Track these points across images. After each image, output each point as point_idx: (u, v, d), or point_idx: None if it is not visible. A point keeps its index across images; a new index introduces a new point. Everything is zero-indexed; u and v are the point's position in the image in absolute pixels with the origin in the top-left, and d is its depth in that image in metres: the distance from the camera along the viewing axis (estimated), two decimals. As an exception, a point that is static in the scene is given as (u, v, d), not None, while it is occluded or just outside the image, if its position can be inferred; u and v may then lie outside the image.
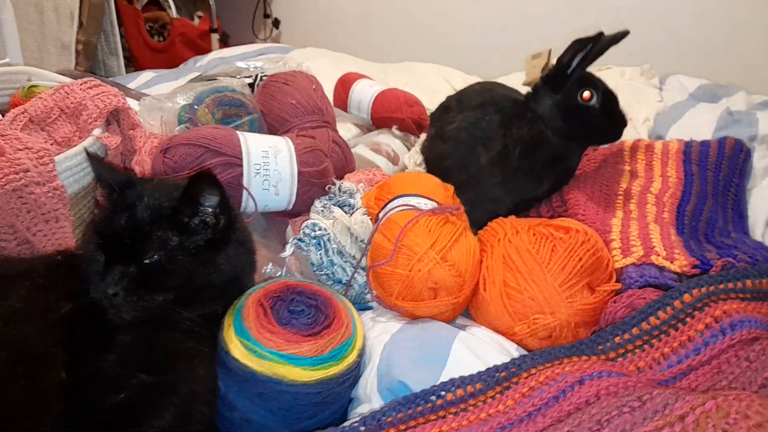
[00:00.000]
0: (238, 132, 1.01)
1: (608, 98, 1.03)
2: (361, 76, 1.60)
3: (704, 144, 1.15)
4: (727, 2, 2.28)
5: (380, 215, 0.90)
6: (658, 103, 1.66)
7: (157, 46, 2.96)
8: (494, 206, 1.06)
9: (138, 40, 2.89)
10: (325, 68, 1.77)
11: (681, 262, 0.84)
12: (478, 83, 1.36)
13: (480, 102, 1.15)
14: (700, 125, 1.32)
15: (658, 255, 0.84)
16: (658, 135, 1.36)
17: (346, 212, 0.95)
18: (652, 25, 2.38)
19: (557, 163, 1.04)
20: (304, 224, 0.93)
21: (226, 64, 1.94)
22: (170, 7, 2.97)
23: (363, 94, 1.54)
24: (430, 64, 2.21)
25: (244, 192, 0.98)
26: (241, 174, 0.97)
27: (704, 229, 0.97)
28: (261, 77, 1.38)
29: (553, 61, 2.07)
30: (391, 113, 1.49)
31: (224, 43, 3.16)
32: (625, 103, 1.69)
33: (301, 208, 1.04)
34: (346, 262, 0.92)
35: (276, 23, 3.33)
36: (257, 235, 0.95)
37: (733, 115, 1.34)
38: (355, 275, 0.91)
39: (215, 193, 0.69)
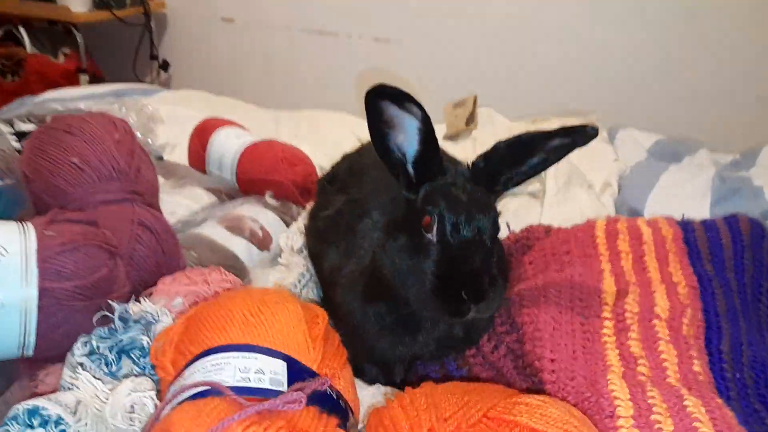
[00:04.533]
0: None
1: (451, 247, 0.57)
2: (227, 123, 1.17)
3: (710, 228, 0.78)
4: (671, 52, 2.04)
5: (169, 393, 0.44)
6: (615, 163, 1.32)
7: (8, 87, 2.43)
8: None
9: (-13, 81, 2.36)
10: (199, 115, 1.32)
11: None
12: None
13: (371, 180, 0.76)
14: (689, 196, 0.96)
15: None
16: (632, 208, 1.00)
17: (112, 375, 0.49)
18: (591, 74, 2.11)
19: (405, 331, 0.64)
20: (13, 409, 0.46)
21: (59, 104, 1.48)
22: (25, 40, 2.46)
23: (226, 147, 1.10)
24: (337, 113, 1.82)
25: None
26: None
27: (753, 382, 0.57)
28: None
29: (480, 110, 1.75)
30: (265, 174, 1.06)
31: (98, 85, 2.66)
32: (575, 164, 1.36)
33: (52, 351, 0.57)
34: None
35: (164, 66, 2.88)
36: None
37: (726, 181, 1.00)
38: None
39: None
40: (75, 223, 0.61)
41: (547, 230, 0.86)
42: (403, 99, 0.58)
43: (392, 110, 0.58)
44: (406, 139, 0.60)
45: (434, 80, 2.27)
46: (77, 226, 0.61)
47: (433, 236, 0.57)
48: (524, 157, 0.61)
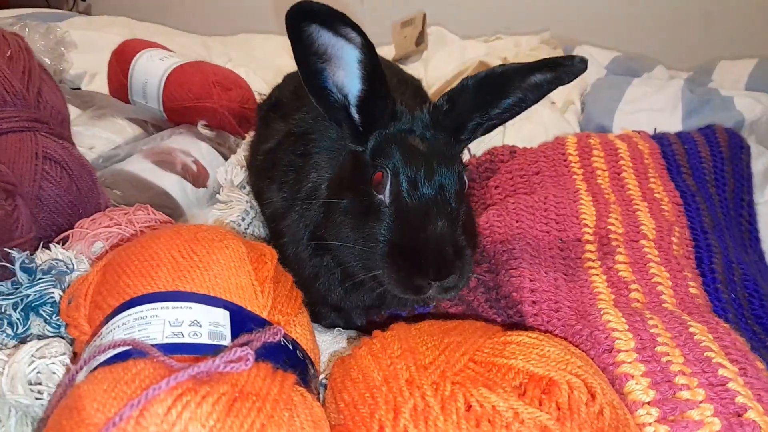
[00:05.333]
0: None
1: (408, 209, 0.47)
2: (150, 45, 1.03)
3: (687, 141, 0.72)
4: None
5: (82, 358, 0.36)
6: (575, 80, 1.25)
7: None
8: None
9: None
10: (120, 40, 1.14)
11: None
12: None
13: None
14: (659, 108, 0.91)
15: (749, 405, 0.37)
16: (599, 125, 0.93)
17: (18, 338, 0.39)
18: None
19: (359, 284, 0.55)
20: None
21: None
22: None
23: (150, 72, 0.97)
24: (274, 36, 1.68)
25: None
26: None
27: (748, 303, 0.53)
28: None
29: (430, 29, 1.64)
30: (196, 100, 0.94)
31: (3, 14, 2.38)
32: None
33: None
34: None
35: (81, -8, 2.60)
36: None
37: (695, 92, 0.94)
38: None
39: None
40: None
41: (512, 151, 0.79)
42: (335, 20, 0.45)
43: (324, 37, 0.46)
44: (347, 75, 0.48)
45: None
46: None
47: (385, 196, 0.47)
48: (497, 97, 0.50)
